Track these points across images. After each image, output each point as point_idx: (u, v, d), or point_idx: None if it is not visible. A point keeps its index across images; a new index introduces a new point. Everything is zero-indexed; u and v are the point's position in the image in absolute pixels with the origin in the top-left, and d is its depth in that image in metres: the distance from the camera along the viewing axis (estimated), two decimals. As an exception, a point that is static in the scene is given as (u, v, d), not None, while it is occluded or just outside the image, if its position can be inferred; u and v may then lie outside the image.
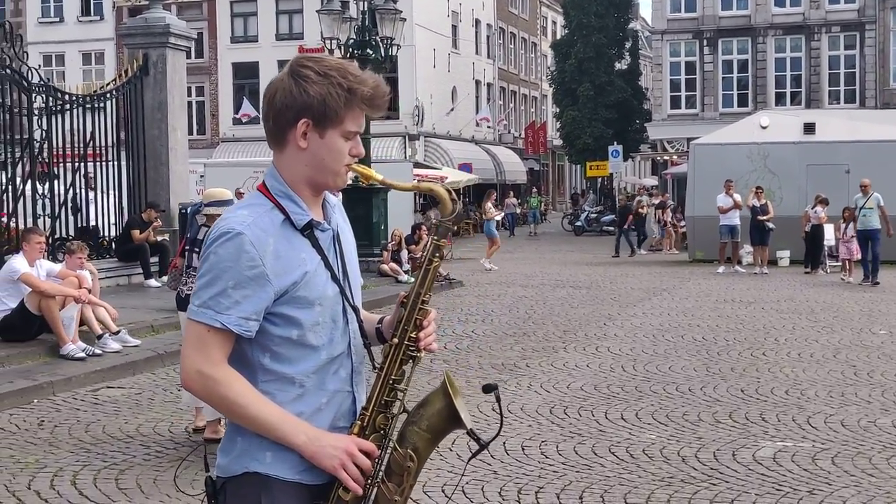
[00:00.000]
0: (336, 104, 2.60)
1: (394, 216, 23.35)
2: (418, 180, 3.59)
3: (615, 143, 47.63)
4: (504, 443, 7.91)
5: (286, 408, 2.60)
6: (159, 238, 16.90)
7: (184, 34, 17.85)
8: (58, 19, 48.50)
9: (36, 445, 7.89)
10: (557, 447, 7.82)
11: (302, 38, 44.12)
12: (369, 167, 2.97)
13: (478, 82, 55.95)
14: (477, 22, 55.94)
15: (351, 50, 20.51)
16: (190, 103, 41.61)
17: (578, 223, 45.13)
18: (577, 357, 11.95)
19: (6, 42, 14.72)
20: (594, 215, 46.23)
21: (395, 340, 2.71)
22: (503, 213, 25.10)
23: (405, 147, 45.94)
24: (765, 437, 8.10)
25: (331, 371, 2.68)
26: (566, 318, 15.49)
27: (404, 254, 20.90)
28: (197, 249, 7.63)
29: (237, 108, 46.22)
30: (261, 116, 2.78)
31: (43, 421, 8.69)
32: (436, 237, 2.75)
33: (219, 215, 7.25)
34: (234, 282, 2.53)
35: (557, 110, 56.08)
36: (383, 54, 20.67)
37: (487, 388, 2.82)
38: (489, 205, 26.92)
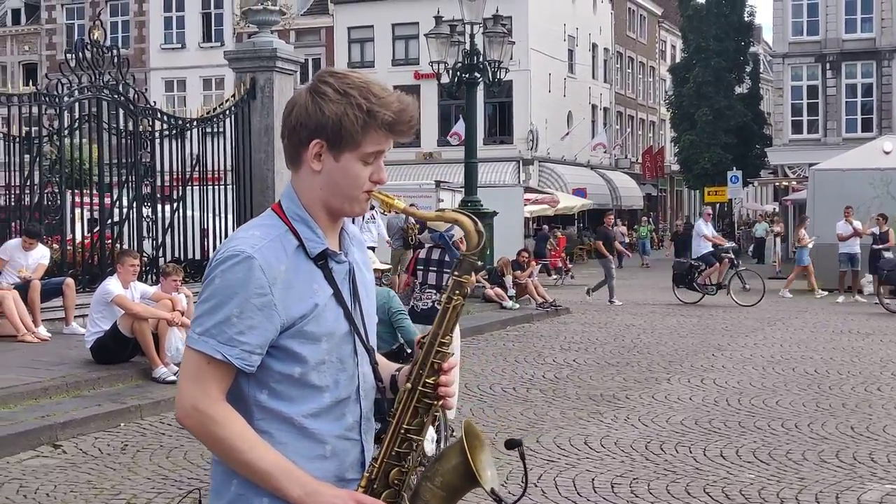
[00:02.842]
0: (353, 126, 2.38)
1: (505, 240, 23.12)
2: (443, 209, 3.45)
3: (734, 168, 46.78)
4: (593, 479, 7.58)
5: (282, 452, 2.37)
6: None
7: (291, 58, 17.87)
8: (179, 46, 49.56)
9: (115, 471, 7.80)
10: (649, 485, 7.44)
11: (418, 63, 44.17)
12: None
13: (594, 107, 55.42)
14: (594, 46, 55.45)
15: (459, 74, 20.35)
16: (305, 128, 41.94)
17: (695, 250, 44.12)
18: (680, 389, 11.50)
19: (113, 67, 14.91)
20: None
21: (409, 385, 2.46)
22: (814, 240, 24.04)
23: (519, 172, 45.66)
24: (872, 478, 7.59)
25: (334, 415, 2.44)
26: (673, 348, 15.01)
27: (509, 279, 20.58)
28: (433, 269, 8.91)
29: (353, 132, 46.57)
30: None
31: (126, 445, 8.63)
32: (457, 273, 2.49)
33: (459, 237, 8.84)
34: (240, 310, 2.31)
35: (675, 135, 55.25)
36: (491, 78, 20.44)
37: (510, 444, 2.56)
38: (803, 231, 25.70)
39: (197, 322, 2.36)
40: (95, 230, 15.28)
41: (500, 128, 47.59)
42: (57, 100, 14.23)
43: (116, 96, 15.16)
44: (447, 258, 9.03)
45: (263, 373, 2.37)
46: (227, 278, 2.32)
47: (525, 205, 32.71)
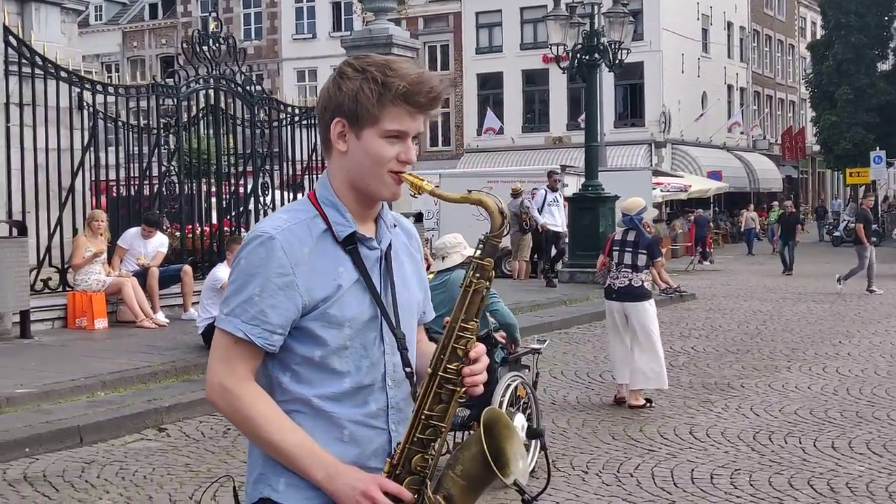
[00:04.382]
0: (368, 101, 2.36)
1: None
2: (469, 191, 3.34)
3: (877, 148, 45.20)
4: (692, 470, 7.34)
5: None
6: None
7: (407, 44, 17.86)
8: (311, 36, 50.21)
9: (213, 454, 7.88)
10: (751, 477, 7.17)
11: (546, 46, 43.75)
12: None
13: (730, 87, 54.17)
14: (729, 25, 54.18)
15: (579, 56, 20.05)
16: (435, 114, 42.04)
17: (836, 234, 42.83)
18: (798, 378, 11.10)
19: (230, 57, 15.12)
20: (853, 225, 43.75)
21: (429, 370, 2.40)
22: None
23: (651, 155, 44.94)
24: None
25: (355, 401, 2.41)
26: (799, 335, 14.53)
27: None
28: (628, 249, 9.74)
29: (481, 118, 46.41)
30: None
31: (229, 429, 8.69)
32: (479, 256, 2.39)
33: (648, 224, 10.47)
34: (261, 289, 2.33)
35: (815, 114, 53.62)
36: (612, 59, 20.08)
37: (532, 434, 2.61)
38: None
39: (225, 302, 2.39)
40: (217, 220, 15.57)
41: (632, 110, 46.92)
42: (174, 91, 14.50)
43: (233, 86, 15.36)
44: (639, 239, 9.79)
45: (286, 354, 2.39)
46: (250, 259, 2.35)
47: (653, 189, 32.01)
